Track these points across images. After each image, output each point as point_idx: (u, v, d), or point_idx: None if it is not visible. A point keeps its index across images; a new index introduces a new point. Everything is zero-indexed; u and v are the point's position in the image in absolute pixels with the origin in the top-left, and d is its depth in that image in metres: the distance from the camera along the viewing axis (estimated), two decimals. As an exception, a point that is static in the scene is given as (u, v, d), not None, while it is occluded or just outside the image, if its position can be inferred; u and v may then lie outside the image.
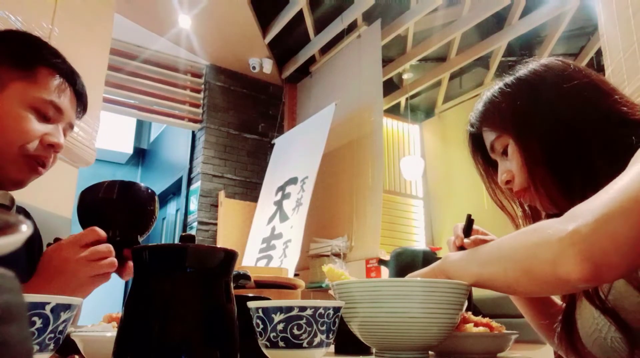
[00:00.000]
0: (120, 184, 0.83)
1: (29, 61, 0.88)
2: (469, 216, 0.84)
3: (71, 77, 0.93)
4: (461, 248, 0.81)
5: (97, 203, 0.82)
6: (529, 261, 0.53)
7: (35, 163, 0.86)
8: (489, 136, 0.78)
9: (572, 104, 0.68)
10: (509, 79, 0.76)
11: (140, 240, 0.84)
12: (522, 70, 0.76)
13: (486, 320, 0.79)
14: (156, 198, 0.86)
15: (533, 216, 0.80)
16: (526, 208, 0.81)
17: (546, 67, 0.74)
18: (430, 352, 0.71)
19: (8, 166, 0.84)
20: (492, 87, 0.78)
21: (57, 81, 0.90)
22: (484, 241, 0.81)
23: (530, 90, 0.72)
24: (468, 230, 0.82)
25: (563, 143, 0.68)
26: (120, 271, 0.83)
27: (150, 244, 0.51)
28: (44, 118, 0.87)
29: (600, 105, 0.67)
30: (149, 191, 0.85)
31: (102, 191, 0.82)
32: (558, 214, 0.55)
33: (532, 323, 0.84)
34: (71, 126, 0.95)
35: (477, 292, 0.90)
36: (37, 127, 0.85)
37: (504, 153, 0.75)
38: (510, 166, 0.75)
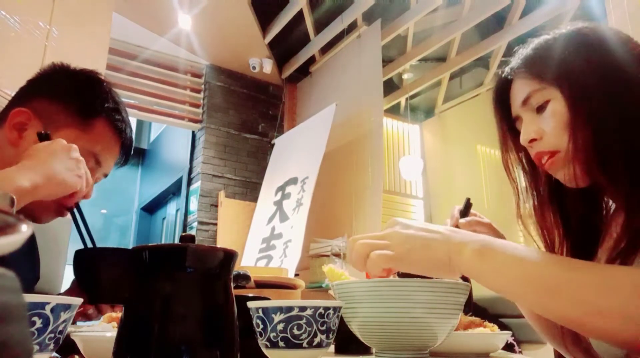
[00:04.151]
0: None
1: (92, 111, 0.88)
2: (467, 200, 0.83)
3: (123, 133, 0.93)
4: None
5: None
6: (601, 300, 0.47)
7: (63, 207, 0.85)
8: (526, 87, 0.69)
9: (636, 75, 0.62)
10: (551, 34, 0.68)
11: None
12: (566, 29, 0.68)
13: (478, 320, 0.79)
14: None
15: (532, 182, 0.75)
16: (526, 178, 0.75)
17: (596, 31, 0.66)
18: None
19: (36, 208, 0.80)
20: (538, 38, 0.70)
21: (109, 136, 0.90)
22: (480, 223, 0.81)
23: (588, 47, 0.65)
24: (465, 211, 0.82)
25: (616, 113, 0.61)
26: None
27: (150, 244, 0.51)
28: None
29: None
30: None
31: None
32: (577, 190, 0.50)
33: (531, 321, 0.84)
34: (105, 175, 0.94)
35: (478, 292, 0.90)
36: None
37: (540, 108, 0.68)
38: (544, 123, 0.67)
